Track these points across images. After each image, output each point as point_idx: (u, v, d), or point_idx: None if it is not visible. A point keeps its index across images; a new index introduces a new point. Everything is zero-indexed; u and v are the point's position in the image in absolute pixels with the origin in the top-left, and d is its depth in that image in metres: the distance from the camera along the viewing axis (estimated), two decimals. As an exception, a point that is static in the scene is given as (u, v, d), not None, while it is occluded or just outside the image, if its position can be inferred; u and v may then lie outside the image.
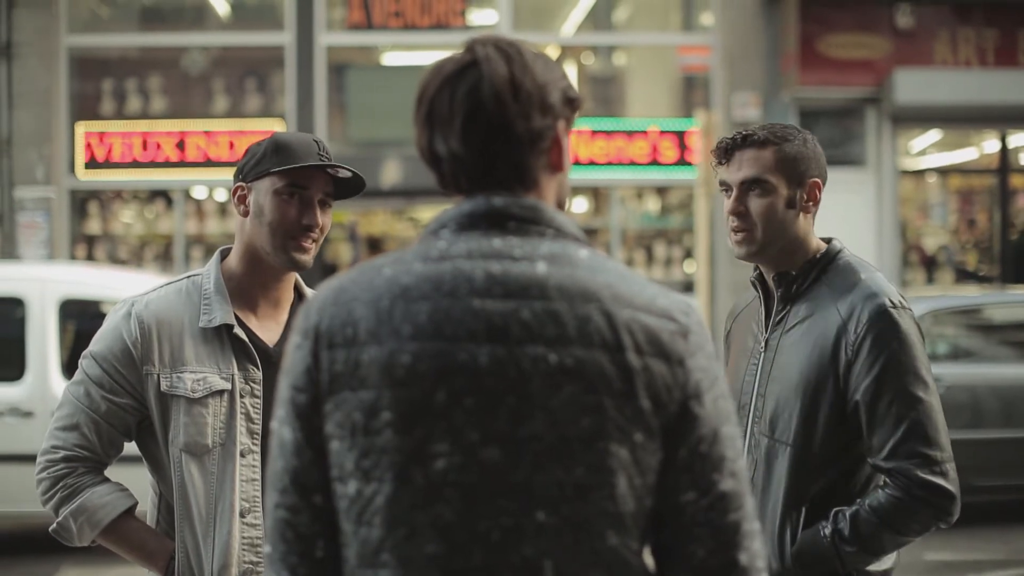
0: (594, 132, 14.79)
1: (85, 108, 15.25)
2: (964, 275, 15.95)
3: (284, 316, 3.05)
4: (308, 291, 3.12)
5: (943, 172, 16.47)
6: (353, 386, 1.74)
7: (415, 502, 1.71)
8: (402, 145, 15.08)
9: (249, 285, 3.00)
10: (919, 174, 16.31)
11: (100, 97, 15.39)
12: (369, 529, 1.73)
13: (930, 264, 15.62)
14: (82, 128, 14.98)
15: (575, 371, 1.71)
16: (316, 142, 2.98)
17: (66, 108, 14.98)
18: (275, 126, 14.75)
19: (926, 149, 16.48)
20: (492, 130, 1.80)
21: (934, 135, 16.27)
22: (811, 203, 3.00)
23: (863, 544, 2.82)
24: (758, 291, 3.08)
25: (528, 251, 1.77)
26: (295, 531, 1.78)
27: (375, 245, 15.69)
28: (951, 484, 2.80)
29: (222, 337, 2.94)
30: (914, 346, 2.84)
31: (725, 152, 3.04)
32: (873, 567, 2.91)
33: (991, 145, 16.09)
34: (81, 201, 15.26)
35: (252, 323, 2.99)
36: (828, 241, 3.05)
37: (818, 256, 2.99)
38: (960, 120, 15.38)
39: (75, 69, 15.24)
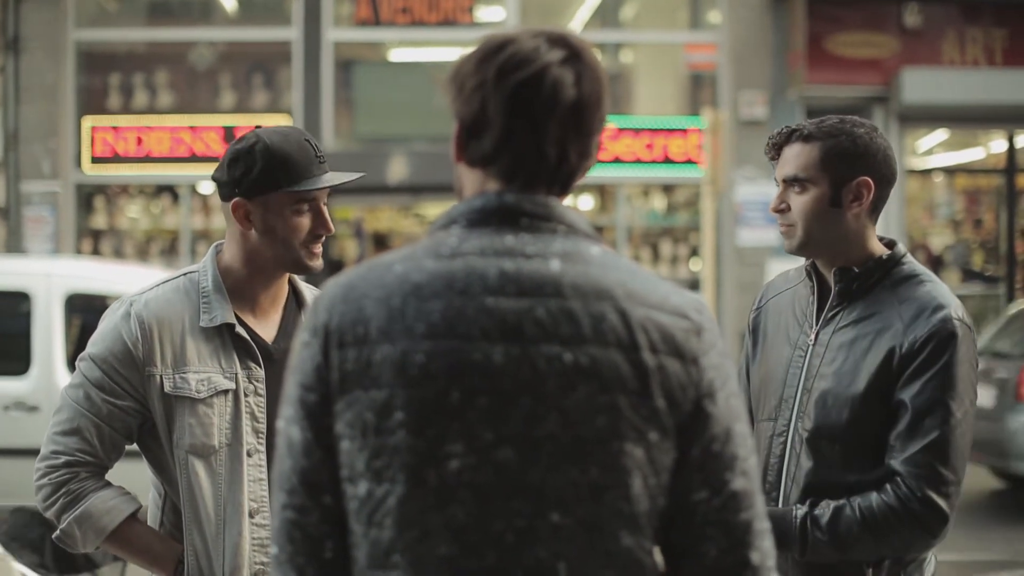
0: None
1: (92, 102, 15.25)
2: (970, 275, 15.92)
3: (279, 313, 3.01)
4: (302, 285, 3.08)
5: (950, 172, 16.45)
6: (365, 385, 1.72)
7: (428, 503, 1.69)
8: (409, 141, 15.07)
9: (250, 285, 2.96)
10: (926, 173, 16.29)
11: (107, 91, 15.39)
12: (380, 530, 1.71)
13: (936, 264, 15.59)
14: (89, 123, 14.98)
15: (590, 370, 1.69)
16: (308, 142, 2.90)
17: (73, 102, 14.99)
18: (282, 121, 14.72)
19: (933, 148, 16.46)
20: (578, 136, 1.79)
21: (941, 135, 16.25)
22: (857, 203, 2.92)
23: (835, 539, 2.78)
24: (812, 282, 3.02)
25: (541, 248, 1.75)
26: (303, 532, 1.76)
27: (381, 241, 15.69)
28: (949, 508, 2.76)
29: (223, 336, 2.89)
30: (967, 364, 2.80)
31: (775, 148, 2.99)
32: (916, 575, 2.89)
33: (998, 145, 16.06)
34: (87, 196, 15.27)
35: (250, 321, 2.95)
36: (892, 244, 2.99)
37: (883, 258, 2.93)
38: (967, 120, 15.36)
39: (82, 63, 15.24)
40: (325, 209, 2.92)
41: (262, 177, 2.84)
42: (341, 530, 1.76)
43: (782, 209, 2.96)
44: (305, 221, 2.88)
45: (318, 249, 2.92)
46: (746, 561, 1.73)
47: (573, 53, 1.79)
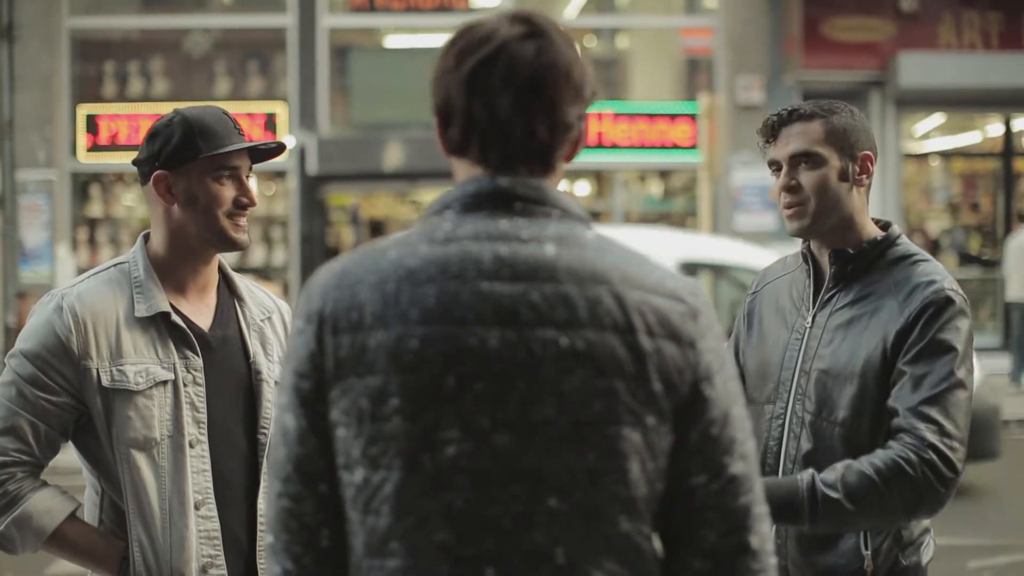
0: (597, 115, 14.74)
1: (87, 90, 15.23)
2: (967, 259, 15.92)
3: (213, 299, 2.96)
4: (232, 272, 3.03)
5: (946, 156, 16.45)
6: (360, 372, 1.71)
7: (424, 490, 1.68)
8: (405, 128, 15.05)
9: (178, 270, 2.90)
10: (922, 158, 16.28)
11: (102, 79, 15.37)
12: (377, 518, 1.71)
13: (933, 248, 15.59)
14: (84, 111, 14.96)
15: (586, 354, 1.68)
16: (227, 115, 2.91)
17: (68, 90, 14.96)
18: (277, 108, 14.72)
19: (929, 133, 16.46)
20: (542, 107, 1.78)
21: (938, 119, 16.24)
22: (864, 176, 2.94)
23: (848, 493, 2.69)
24: (808, 265, 3.02)
25: (535, 232, 1.75)
26: (299, 520, 1.75)
27: (377, 228, 15.68)
28: (958, 461, 2.73)
29: (159, 325, 2.83)
30: (963, 332, 2.81)
31: (771, 130, 2.98)
32: (910, 559, 2.89)
33: (995, 129, 16.07)
34: (83, 184, 15.26)
35: (185, 308, 2.89)
36: (886, 225, 3.00)
37: (878, 239, 2.94)
38: (964, 104, 15.36)
39: (77, 51, 15.21)
40: (248, 180, 2.90)
41: (181, 145, 2.84)
42: (337, 518, 1.75)
43: (793, 187, 2.94)
44: (227, 191, 2.86)
45: (243, 222, 2.88)
46: (745, 545, 1.73)
47: (534, 29, 1.79)
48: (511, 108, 1.76)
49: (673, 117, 15.04)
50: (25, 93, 14.53)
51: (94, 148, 14.94)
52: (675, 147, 15.02)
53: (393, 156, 14.69)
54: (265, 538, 1.80)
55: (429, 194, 15.30)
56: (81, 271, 14.52)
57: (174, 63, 15.56)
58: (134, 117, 14.92)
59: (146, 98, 15.27)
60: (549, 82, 1.77)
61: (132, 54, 15.51)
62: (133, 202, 15.53)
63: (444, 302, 1.70)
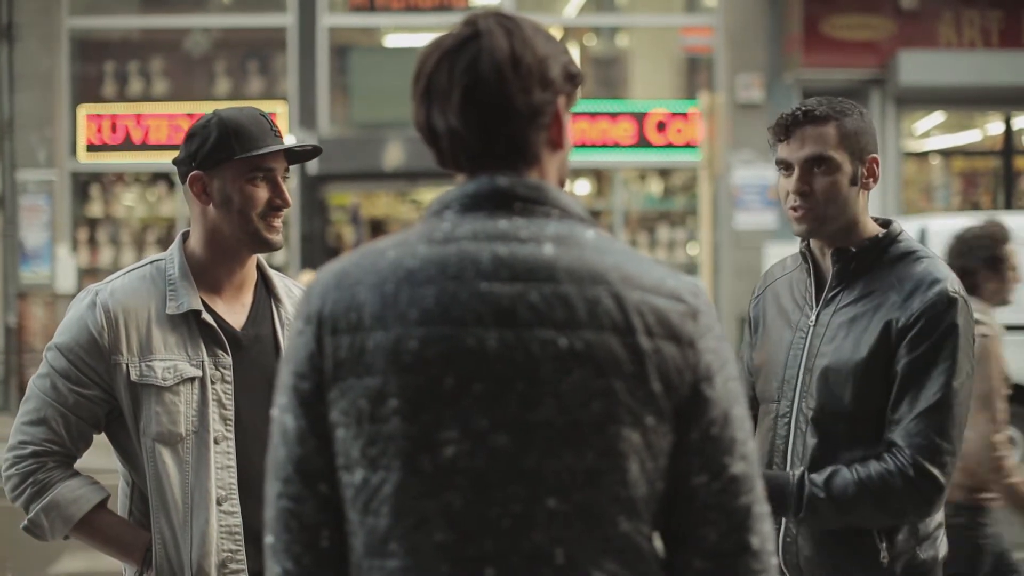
0: (597, 114, 14.75)
1: (87, 90, 15.22)
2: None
3: (249, 297, 3.01)
4: (271, 272, 3.08)
5: (947, 154, 16.43)
6: (359, 372, 1.71)
7: (424, 490, 1.68)
8: (405, 127, 15.04)
9: (213, 269, 2.95)
10: (922, 156, 16.26)
11: (102, 79, 15.36)
12: (376, 518, 1.71)
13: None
14: (84, 111, 14.96)
15: (585, 355, 1.68)
16: (264, 117, 2.95)
17: (67, 90, 14.96)
18: (277, 108, 14.72)
19: (930, 131, 16.44)
20: (491, 105, 1.77)
21: (938, 117, 16.23)
22: (871, 179, 2.96)
23: (832, 496, 2.80)
24: (808, 264, 3.03)
25: (534, 232, 1.74)
26: (299, 520, 1.75)
27: (378, 227, 15.68)
28: (944, 477, 2.79)
29: (190, 323, 2.89)
30: (963, 335, 2.82)
31: (785, 129, 2.95)
32: (927, 553, 2.91)
33: (995, 127, 16.05)
34: (83, 184, 15.26)
35: (219, 307, 2.94)
36: (887, 223, 3.00)
37: (879, 236, 2.95)
38: (964, 102, 15.34)
39: (76, 51, 15.21)
40: (283, 182, 2.93)
41: (216, 147, 2.88)
42: (337, 519, 1.76)
43: (806, 192, 2.92)
44: (261, 192, 2.90)
45: (277, 223, 2.93)
46: (746, 545, 1.73)
47: (475, 30, 1.79)
48: (460, 112, 1.77)
49: (673, 116, 15.03)
50: (25, 93, 14.54)
51: (94, 148, 14.93)
52: (675, 146, 15.02)
53: (393, 155, 14.69)
54: (265, 538, 1.80)
55: (429, 193, 15.30)
56: (81, 271, 14.64)
57: (174, 63, 15.56)
58: (134, 117, 14.92)
59: (146, 98, 15.26)
60: (491, 78, 1.77)
61: (132, 54, 15.51)
62: (133, 202, 15.53)
63: (443, 303, 1.70)
